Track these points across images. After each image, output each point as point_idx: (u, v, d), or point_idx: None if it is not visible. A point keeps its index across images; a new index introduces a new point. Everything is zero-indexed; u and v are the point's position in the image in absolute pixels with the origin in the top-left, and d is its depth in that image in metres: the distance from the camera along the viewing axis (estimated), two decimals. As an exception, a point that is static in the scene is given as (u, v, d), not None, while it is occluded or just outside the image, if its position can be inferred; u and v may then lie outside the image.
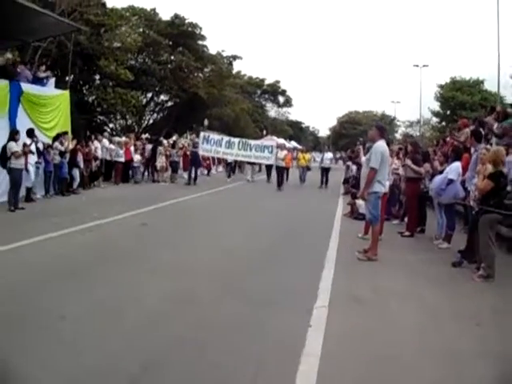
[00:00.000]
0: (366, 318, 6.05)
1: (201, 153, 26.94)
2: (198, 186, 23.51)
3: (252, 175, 29.93)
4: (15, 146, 13.60)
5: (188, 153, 27.83)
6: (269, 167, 29.18)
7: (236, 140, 28.11)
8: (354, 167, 21.39)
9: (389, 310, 6.43)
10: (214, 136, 28.33)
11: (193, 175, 24.77)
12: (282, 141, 62.55)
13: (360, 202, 12.70)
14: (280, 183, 24.98)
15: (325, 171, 27.58)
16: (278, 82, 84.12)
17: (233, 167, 32.39)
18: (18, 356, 4.51)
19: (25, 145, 14.03)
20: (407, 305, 6.65)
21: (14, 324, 5.30)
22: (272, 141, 32.51)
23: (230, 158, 29.47)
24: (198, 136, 27.56)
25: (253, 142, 28.23)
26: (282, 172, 26.03)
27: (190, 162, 26.61)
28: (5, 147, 13.57)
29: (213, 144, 27.03)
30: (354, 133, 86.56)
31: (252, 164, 29.92)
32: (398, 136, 76.10)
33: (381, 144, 9.32)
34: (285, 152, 27.82)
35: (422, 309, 6.51)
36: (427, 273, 8.52)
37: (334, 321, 5.80)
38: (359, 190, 10.13)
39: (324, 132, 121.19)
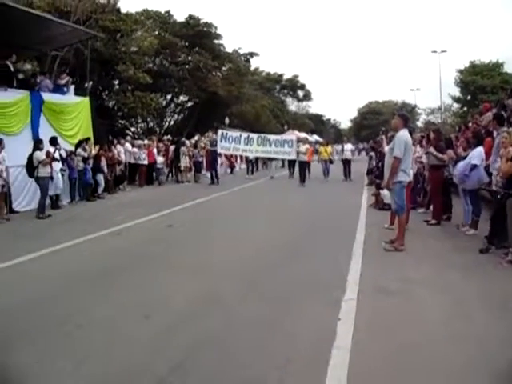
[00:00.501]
0: (395, 308, 6.02)
1: (219, 151, 26.45)
2: (221, 184, 23.42)
3: (271, 171, 29.32)
4: (42, 155, 13.81)
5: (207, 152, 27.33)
6: (291, 162, 28.70)
7: (255, 136, 27.37)
8: (375, 157, 21.26)
9: (417, 299, 6.38)
10: (233, 133, 27.73)
11: (214, 174, 24.48)
12: (303, 135, 62.51)
13: (385, 193, 12.66)
14: (303, 178, 24.16)
15: (346, 163, 26.69)
16: (296, 76, 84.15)
17: (254, 164, 31.55)
18: (46, 361, 4.61)
19: (48, 153, 14.23)
20: (435, 294, 6.58)
21: (43, 329, 5.39)
22: (292, 135, 31.26)
23: (249, 155, 28.74)
24: (216, 134, 27.02)
25: (272, 137, 27.33)
26: (305, 166, 25.04)
27: (208, 161, 26.34)
28: (30, 157, 13.79)
29: (231, 141, 26.39)
30: (375, 123, 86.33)
31: (272, 160, 29.65)
32: (419, 124, 75.51)
33: (404, 133, 9.23)
34: (306, 146, 26.26)
35: (451, 297, 6.44)
36: (454, 260, 8.42)
37: (362, 313, 5.78)
38: (383, 181, 10.06)
39: (345, 124, 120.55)
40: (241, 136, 27.06)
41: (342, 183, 25.03)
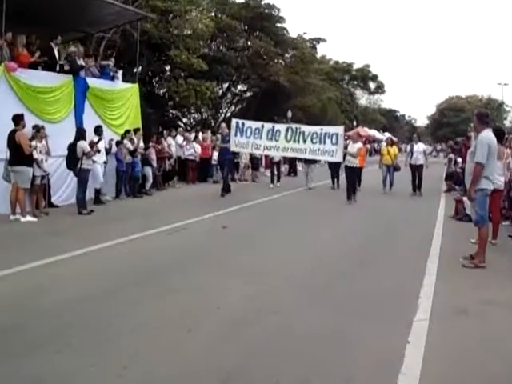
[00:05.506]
0: (472, 333, 5.83)
1: (233, 149, 20.85)
2: (278, 187, 22.43)
3: (309, 179, 23.24)
4: (87, 145, 14.11)
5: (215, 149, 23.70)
6: (334, 166, 23.17)
7: (282, 127, 21.34)
8: (460, 160, 20.63)
9: (497, 324, 6.16)
10: (251, 124, 21.48)
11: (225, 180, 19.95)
12: (374, 132, 61.92)
13: (467, 201, 12.35)
14: (353, 191, 18.43)
15: (416, 170, 20.81)
16: (367, 66, 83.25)
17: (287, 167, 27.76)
18: (85, 365, 4.66)
19: (92, 142, 14.45)
20: (518, 320, 6.33)
21: (86, 332, 5.47)
22: (337, 127, 22.38)
23: (274, 155, 23.09)
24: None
25: (308, 129, 20.95)
26: (355, 175, 19.27)
27: (218, 162, 22.17)
28: (71, 147, 14.06)
29: (250, 135, 20.81)
30: (455, 121, 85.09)
31: (311, 162, 23.18)
32: (507, 123, 73.81)
33: (487, 134, 8.75)
34: (359, 145, 19.31)
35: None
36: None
37: (435, 336, 5.62)
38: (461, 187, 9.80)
39: (422, 121, 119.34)
40: (263, 127, 21.12)
41: (409, 196, 20.43)
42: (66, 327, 5.55)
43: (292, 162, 29.26)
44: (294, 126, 22.04)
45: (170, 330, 5.59)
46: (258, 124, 21.29)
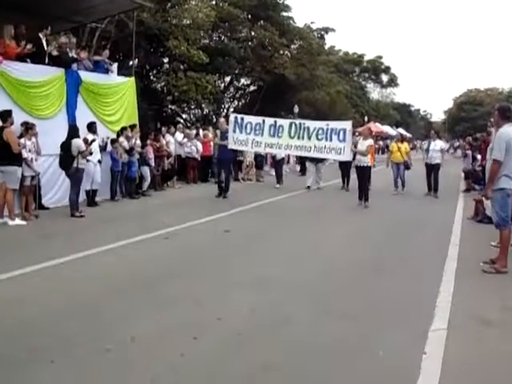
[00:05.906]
0: (494, 343, 5.80)
1: (231, 146, 19.71)
2: (279, 189, 22.11)
3: (317, 178, 23.06)
4: (83, 144, 14.07)
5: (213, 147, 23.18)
6: (345, 165, 22.88)
7: (285, 123, 20.04)
8: (479, 157, 20.39)
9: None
10: (252, 119, 20.45)
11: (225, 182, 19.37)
12: (386, 128, 61.79)
13: (487, 202, 12.27)
14: (365, 194, 17.77)
15: (432, 169, 20.43)
16: (379, 57, 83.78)
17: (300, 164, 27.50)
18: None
19: (86, 140, 14.39)
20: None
21: (72, 346, 5.40)
22: (345, 122, 20.48)
23: (277, 153, 23.05)
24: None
25: (313, 125, 19.57)
26: (366, 175, 18.31)
27: (216, 161, 21.50)
28: (64, 145, 14.02)
29: (250, 131, 19.61)
30: (474, 115, 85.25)
31: (318, 161, 22.48)
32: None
33: (506, 130, 8.77)
34: (369, 141, 18.53)
35: None
36: None
37: (454, 347, 5.61)
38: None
39: (438, 116, 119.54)
40: (264, 123, 19.82)
41: (424, 197, 20.16)
42: (54, 341, 5.48)
43: (302, 161, 28.63)
44: (297, 121, 20.89)
45: (167, 345, 5.52)
46: (259, 119, 20.29)
